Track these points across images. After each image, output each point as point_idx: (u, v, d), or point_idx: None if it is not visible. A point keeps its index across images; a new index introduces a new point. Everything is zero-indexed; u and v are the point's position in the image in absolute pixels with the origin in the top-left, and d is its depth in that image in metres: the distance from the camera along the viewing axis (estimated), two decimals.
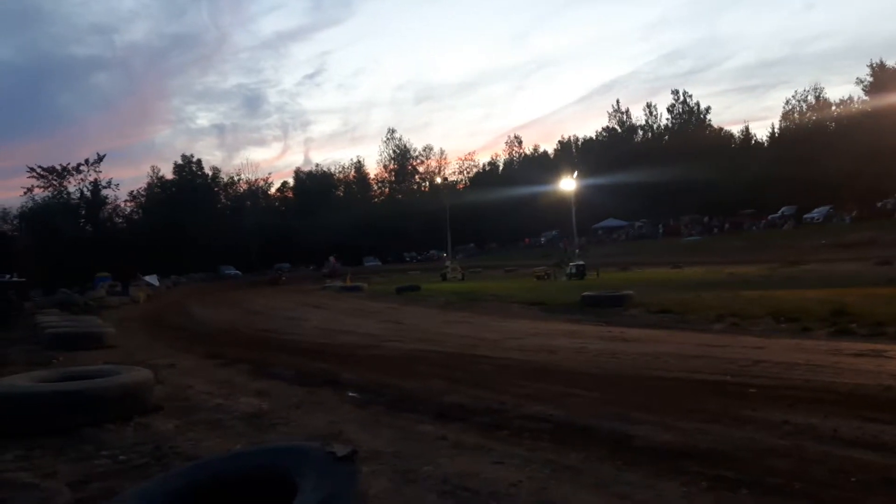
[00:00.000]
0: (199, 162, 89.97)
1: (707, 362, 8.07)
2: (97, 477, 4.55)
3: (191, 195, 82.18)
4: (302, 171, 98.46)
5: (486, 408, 6.09)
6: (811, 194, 57.08)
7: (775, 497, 3.64)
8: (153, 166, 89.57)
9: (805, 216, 56.47)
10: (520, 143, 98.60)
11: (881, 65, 59.76)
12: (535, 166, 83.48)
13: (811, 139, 62.10)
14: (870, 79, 60.39)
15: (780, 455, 4.30)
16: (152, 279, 46.86)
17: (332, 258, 58.00)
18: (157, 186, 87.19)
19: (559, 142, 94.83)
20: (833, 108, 68.40)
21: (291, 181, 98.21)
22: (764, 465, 4.12)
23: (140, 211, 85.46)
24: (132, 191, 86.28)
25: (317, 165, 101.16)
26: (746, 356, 8.32)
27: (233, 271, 70.78)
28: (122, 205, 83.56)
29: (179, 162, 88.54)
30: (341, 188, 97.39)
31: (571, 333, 11.90)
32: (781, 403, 5.72)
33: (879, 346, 8.64)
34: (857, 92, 63.82)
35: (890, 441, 4.49)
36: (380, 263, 73.32)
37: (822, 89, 72.07)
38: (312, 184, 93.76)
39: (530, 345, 10.56)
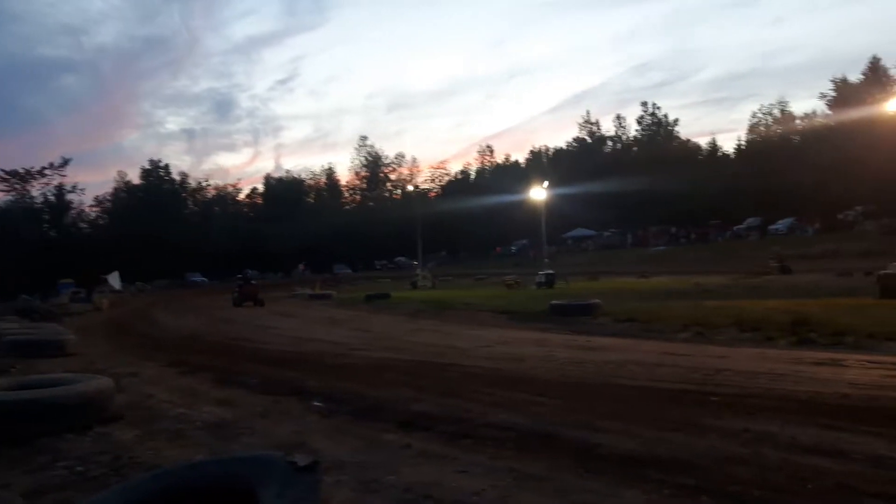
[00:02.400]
0: (167, 167, 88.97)
1: (671, 371, 8.17)
2: (53, 488, 4.45)
3: (158, 201, 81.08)
4: (272, 177, 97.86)
5: (452, 416, 6.08)
6: (776, 206, 58.25)
7: None
8: (120, 171, 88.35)
9: (770, 227, 57.62)
10: (491, 152, 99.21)
11: (843, 80, 61.39)
12: (506, 175, 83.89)
13: (776, 152, 63.45)
14: (833, 94, 61.98)
15: (740, 462, 4.37)
16: (114, 279, 45.20)
17: (301, 265, 57.49)
18: (124, 191, 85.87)
19: (531, 151, 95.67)
20: (797, 121, 70.01)
21: (261, 187, 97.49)
22: (724, 472, 4.18)
23: (106, 216, 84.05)
24: (98, 196, 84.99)
25: (287, 171, 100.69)
26: (710, 365, 8.45)
27: (199, 278, 69.85)
28: (88, 210, 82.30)
29: (147, 167, 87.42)
30: (312, 195, 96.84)
31: (539, 342, 11.96)
32: (743, 412, 5.81)
33: (838, 356, 8.83)
34: (821, 106, 65.48)
35: (846, 448, 4.59)
36: (350, 271, 72.93)
37: (786, 103, 73.94)
38: (282, 190, 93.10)
39: (498, 353, 10.59)
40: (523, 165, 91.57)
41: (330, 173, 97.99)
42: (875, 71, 57.61)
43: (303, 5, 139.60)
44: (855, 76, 60.23)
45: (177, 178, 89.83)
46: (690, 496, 3.80)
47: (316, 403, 6.96)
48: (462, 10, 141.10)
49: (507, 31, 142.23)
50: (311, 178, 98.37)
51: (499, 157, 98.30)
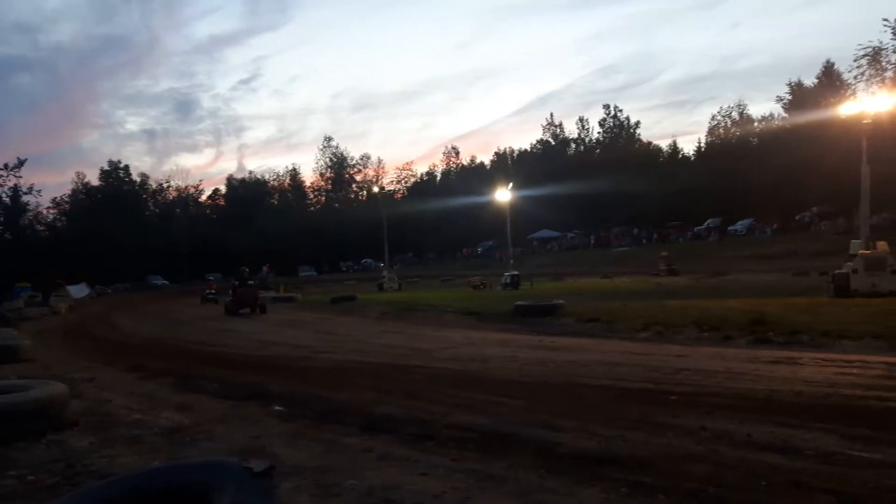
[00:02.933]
0: (126, 168, 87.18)
1: (631, 370, 8.28)
2: (3, 498, 4.33)
3: (117, 202, 79.39)
4: (235, 178, 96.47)
5: (415, 418, 6.07)
6: (735, 207, 59.42)
7: (691, 502, 3.74)
8: (78, 172, 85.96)
9: (729, 228, 58.78)
10: (457, 153, 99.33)
11: (799, 84, 62.88)
12: (472, 177, 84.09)
13: (735, 154, 64.65)
14: (789, 97, 63.45)
15: (697, 460, 4.44)
16: (78, 290, 44.15)
17: (265, 267, 56.84)
18: (82, 193, 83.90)
19: (496, 153, 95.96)
20: (755, 124, 71.50)
21: (224, 188, 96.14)
22: (681, 470, 4.24)
23: (63, 218, 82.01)
24: (55, 197, 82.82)
25: (250, 172, 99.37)
26: (670, 364, 8.58)
27: (160, 281, 68.64)
28: (45, 212, 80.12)
29: (106, 168, 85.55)
30: (276, 196, 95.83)
31: (503, 343, 12.01)
32: (700, 410, 5.91)
33: (794, 354, 9.04)
34: (778, 109, 66.94)
35: (799, 445, 4.70)
36: (315, 273, 72.36)
37: (745, 106, 75.44)
38: (246, 191, 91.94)
39: (463, 354, 10.60)
40: (489, 167, 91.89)
41: (294, 174, 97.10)
42: (829, 75, 59.06)
43: (265, 4, 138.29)
44: (810, 80, 61.81)
45: (137, 179, 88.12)
46: (647, 495, 3.85)
47: (276, 408, 6.88)
48: (428, 11, 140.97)
49: (473, 33, 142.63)
50: (274, 180, 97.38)
51: (464, 159, 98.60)
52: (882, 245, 17.55)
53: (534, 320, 15.36)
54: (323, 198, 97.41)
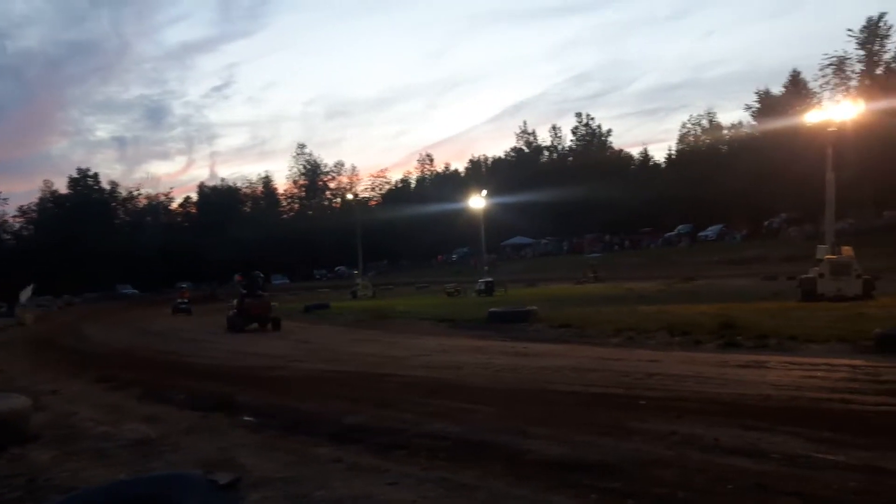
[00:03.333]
0: (96, 176, 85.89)
1: (603, 375, 8.33)
2: None
3: (86, 210, 78.09)
4: (207, 186, 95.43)
5: (387, 427, 6.04)
6: (705, 213, 60.32)
7: None
8: (46, 180, 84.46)
9: (700, 234, 59.62)
10: (431, 160, 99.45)
11: (767, 92, 64.12)
12: (446, 184, 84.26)
13: (705, 161, 65.69)
14: (757, 105, 64.66)
15: (666, 465, 4.47)
16: (24, 293, 41.44)
17: (237, 276, 56.19)
18: (50, 201, 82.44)
19: (470, 160, 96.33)
20: (725, 132, 72.67)
21: (196, 196, 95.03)
22: (650, 475, 4.26)
23: (31, 227, 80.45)
24: (22, 205, 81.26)
25: (223, 180, 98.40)
26: (640, 369, 8.64)
27: (130, 290, 67.55)
28: (11, 220, 78.56)
29: (75, 175, 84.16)
30: (248, 204, 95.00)
31: (477, 350, 12.01)
32: (670, 414, 5.96)
33: (762, 358, 9.16)
34: (747, 117, 68.13)
35: (766, 448, 4.75)
36: (288, 281, 71.78)
37: (715, 114, 76.70)
38: (217, 199, 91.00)
39: (436, 362, 10.58)
40: (463, 174, 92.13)
41: (267, 182, 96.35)
42: (796, 84, 60.28)
43: (238, 11, 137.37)
44: (778, 89, 63.01)
45: (107, 187, 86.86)
46: (616, 500, 3.87)
47: (246, 418, 6.80)
48: (401, 18, 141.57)
49: (447, 41, 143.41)
50: (247, 187, 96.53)
51: (439, 166, 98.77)
52: (847, 250, 17.92)
53: (507, 327, 15.39)
54: (296, 205, 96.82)
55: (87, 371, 11.86)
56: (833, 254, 17.75)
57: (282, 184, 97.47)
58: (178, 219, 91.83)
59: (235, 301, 20.48)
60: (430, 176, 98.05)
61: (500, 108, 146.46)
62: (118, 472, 4.96)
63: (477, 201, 44.27)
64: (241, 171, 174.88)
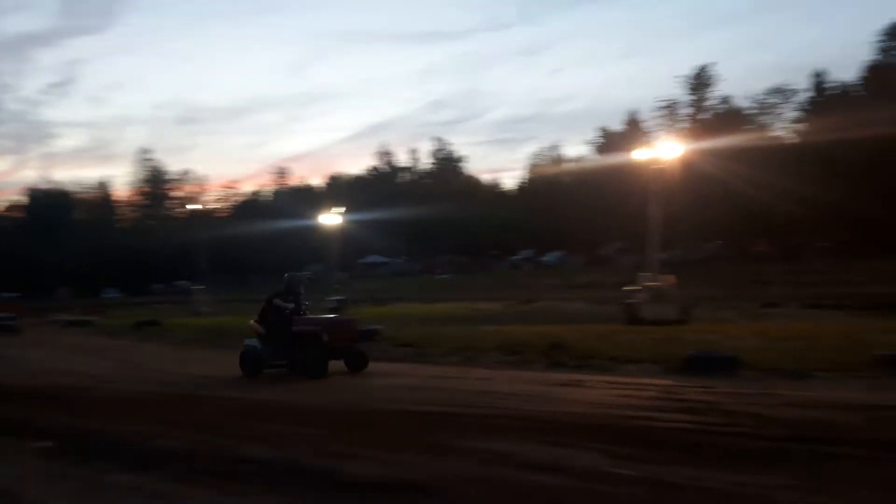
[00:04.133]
0: None
1: (435, 395, 8.44)
2: None
3: None
4: (37, 189, 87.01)
5: (201, 452, 5.73)
6: (548, 240, 63.73)
7: None
8: None
9: (541, 259, 62.97)
10: (286, 174, 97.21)
11: (607, 129, 69.20)
12: (302, 199, 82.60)
13: (550, 191, 69.53)
14: (600, 140, 69.54)
15: (474, 482, 4.57)
16: None
17: (64, 288, 51.61)
18: None
19: (328, 177, 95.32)
20: (569, 164, 77.31)
21: (25, 199, 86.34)
22: (456, 492, 4.34)
23: None
24: None
25: (56, 183, 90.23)
26: (471, 387, 8.88)
27: None
28: None
29: None
30: (83, 210, 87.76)
31: None
32: (491, 432, 6.14)
33: (583, 377, 9.68)
34: (590, 151, 73.09)
35: (567, 465, 4.98)
36: (120, 295, 66.80)
37: (560, 147, 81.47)
38: (48, 203, 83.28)
39: (265, 383, 10.23)
40: (320, 190, 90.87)
41: (104, 187, 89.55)
42: (633, 123, 65.50)
43: (84, 5, 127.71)
44: (617, 126, 68.11)
45: None
46: None
47: (40, 444, 6.16)
48: (264, 29, 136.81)
49: (311, 56, 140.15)
50: (83, 192, 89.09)
51: (295, 181, 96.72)
52: (669, 279, 19.53)
53: None
54: (137, 214, 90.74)
55: None
56: (655, 281, 19.26)
57: (122, 190, 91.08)
58: (4, 224, 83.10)
59: (275, 321, 11.54)
60: (284, 190, 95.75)
61: (360, 127, 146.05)
62: None
63: (333, 218, 43.80)
64: (78, 175, 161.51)
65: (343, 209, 45.47)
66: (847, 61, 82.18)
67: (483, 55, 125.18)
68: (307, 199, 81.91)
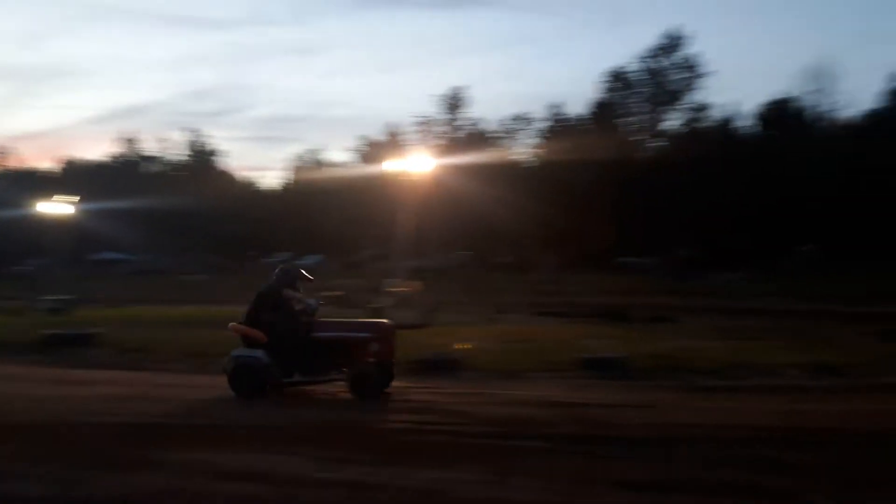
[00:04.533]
0: None
1: (148, 405, 7.91)
2: None
3: None
4: None
5: None
6: (308, 243, 63.22)
7: None
8: None
9: (297, 262, 62.31)
10: (8, 154, 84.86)
11: (369, 138, 70.93)
12: (27, 184, 72.61)
13: (311, 194, 69.20)
14: (363, 147, 71.02)
15: (173, 496, 4.42)
16: None
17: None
18: None
19: (64, 161, 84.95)
20: (331, 168, 77.61)
21: None
22: None
23: None
24: None
25: None
26: (191, 396, 8.53)
27: None
28: None
29: None
30: None
31: (17, 378, 10.36)
32: (196, 443, 5.95)
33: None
34: (352, 158, 74.18)
35: (270, 472, 5.02)
36: None
37: (325, 151, 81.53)
38: None
39: None
40: (52, 176, 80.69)
41: None
42: (392, 134, 67.84)
43: None
44: (378, 136, 70.02)
45: None
46: None
47: None
48: None
49: (52, 25, 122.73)
50: None
51: (17, 163, 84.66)
52: (415, 285, 20.44)
53: (67, 351, 13.71)
54: None
55: None
56: (401, 287, 20.04)
57: None
58: None
59: (289, 326, 8.88)
60: (5, 173, 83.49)
61: (104, 110, 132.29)
62: None
63: (65, 207, 39.12)
64: None
65: (77, 198, 40.93)
66: (578, 97, 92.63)
67: (251, 49, 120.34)
68: (33, 184, 72.31)
